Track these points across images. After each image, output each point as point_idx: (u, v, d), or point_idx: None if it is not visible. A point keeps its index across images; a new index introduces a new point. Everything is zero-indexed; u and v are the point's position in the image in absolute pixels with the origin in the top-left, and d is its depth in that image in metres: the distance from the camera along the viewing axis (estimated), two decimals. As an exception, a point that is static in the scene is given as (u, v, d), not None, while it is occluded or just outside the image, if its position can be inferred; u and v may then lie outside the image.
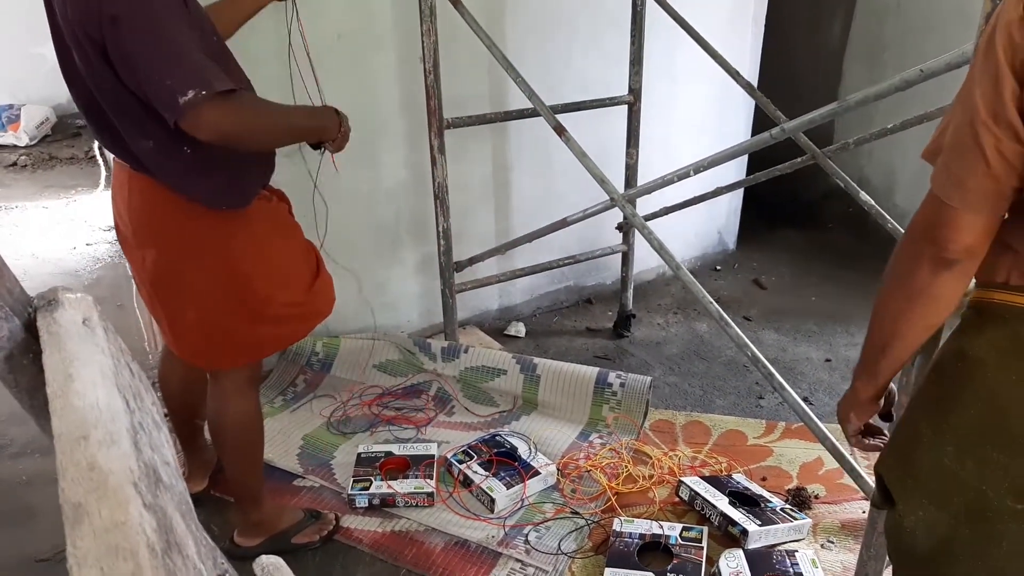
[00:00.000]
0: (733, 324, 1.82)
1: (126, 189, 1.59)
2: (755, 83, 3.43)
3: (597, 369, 2.54)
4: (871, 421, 1.19)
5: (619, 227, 3.02)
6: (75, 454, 0.45)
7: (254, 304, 1.65)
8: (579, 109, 2.67)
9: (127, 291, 3.30)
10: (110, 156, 1.66)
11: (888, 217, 2.21)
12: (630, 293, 3.13)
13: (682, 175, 1.86)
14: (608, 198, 2.11)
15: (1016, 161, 0.85)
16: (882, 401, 1.16)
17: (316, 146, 1.66)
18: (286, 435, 2.37)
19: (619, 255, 3.07)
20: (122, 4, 1.28)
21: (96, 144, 5.21)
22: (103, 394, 0.51)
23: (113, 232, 4.01)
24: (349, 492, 2.08)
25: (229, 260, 1.60)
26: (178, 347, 1.72)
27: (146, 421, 0.61)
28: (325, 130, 1.60)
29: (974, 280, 0.98)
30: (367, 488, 2.08)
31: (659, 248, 1.94)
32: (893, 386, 1.16)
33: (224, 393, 1.76)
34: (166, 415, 2.42)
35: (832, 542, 1.99)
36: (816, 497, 2.13)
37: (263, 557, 0.91)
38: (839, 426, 1.21)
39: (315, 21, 2.40)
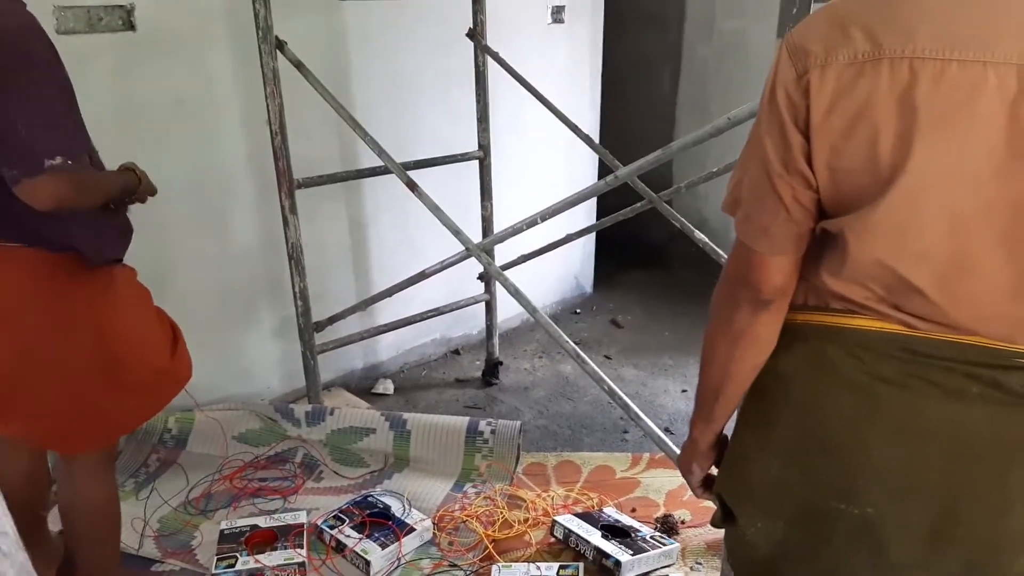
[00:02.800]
0: (591, 362, 1.91)
1: None
2: (597, 133, 3.65)
3: (467, 419, 2.55)
4: (711, 471, 1.24)
5: (480, 277, 3.08)
6: None
7: (123, 373, 1.59)
8: (430, 165, 2.73)
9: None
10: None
11: (723, 254, 2.39)
12: (496, 341, 3.18)
13: (530, 223, 1.95)
14: (464, 248, 2.17)
15: (810, 205, 0.94)
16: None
17: (123, 204, 1.65)
18: (140, 519, 2.21)
19: (483, 304, 3.13)
20: (10, 57, 1.30)
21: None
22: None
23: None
24: (214, 571, 1.96)
25: (99, 329, 1.54)
26: (33, 434, 1.61)
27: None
28: (129, 187, 1.60)
29: None
30: (232, 565, 1.97)
31: (515, 293, 2.01)
32: (726, 434, 1.20)
33: (78, 476, 1.65)
34: None
35: (700, 563, 2.08)
36: (683, 522, 2.23)
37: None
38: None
39: (153, 85, 2.36)
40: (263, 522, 2.14)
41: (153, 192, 1.66)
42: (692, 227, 2.46)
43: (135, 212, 1.66)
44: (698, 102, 4.45)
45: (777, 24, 1.29)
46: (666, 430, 2.74)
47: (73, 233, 1.47)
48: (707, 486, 1.26)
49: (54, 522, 2.05)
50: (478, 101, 2.79)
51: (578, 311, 3.88)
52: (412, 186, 2.21)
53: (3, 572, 0.46)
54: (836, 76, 0.86)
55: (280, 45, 2.26)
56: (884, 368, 0.92)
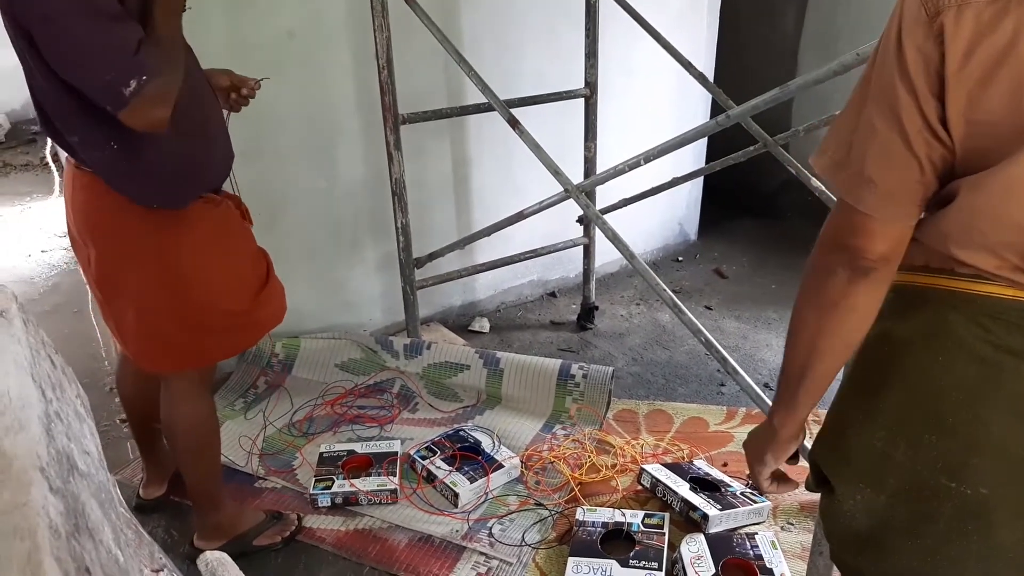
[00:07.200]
0: (687, 311, 1.84)
1: (71, 186, 1.59)
2: (711, 75, 3.47)
3: (560, 361, 2.55)
4: (782, 466, 1.14)
5: (580, 220, 3.03)
6: (-22, 442, 0.44)
7: (193, 311, 1.63)
8: (535, 103, 2.67)
9: (84, 297, 3.25)
10: (64, 161, 1.65)
11: (839, 203, 2.24)
12: (592, 285, 3.14)
13: (633, 164, 1.88)
14: (563, 190, 2.12)
15: (940, 164, 0.85)
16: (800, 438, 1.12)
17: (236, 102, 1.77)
18: (248, 437, 2.35)
19: (581, 248, 3.09)
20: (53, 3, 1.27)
21: (48, 150, 5.12)
22: (14, 383, 0.51)
23: (68, 239, 3.96)
24: (311, 492, 2.06)
25: (166, 263, 1.58)
26: (125, 347, 1.74)
27: (65, 411, 0.61)
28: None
29: None
30: (329, 487, 2.07)
31: (614, 238, 1.95)
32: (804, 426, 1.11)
33: (174, 396, 1.75)
34: (124, 420, 2.39)
35: (792, 524, 2.02)
36: (776, 480, 2.16)
37: (207, 554, 0.90)
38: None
39: (266, 20, 2.40)
40: (360, 448, 2.23)
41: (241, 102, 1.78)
42: (808, 174, 2.31)
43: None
44: (825, 40, 4.14)
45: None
46: (765, 385, 2.65)
47: (109, 176, 1.49)
48: (779, 480, 1.18)
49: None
50: (587, 36, 2.69)
51: (680, 258, 3.77)
52: (514, 123, 2.16)
53: (78, 491, 0.48)
54: (975, 16, 0.76)
55: (388, -24, 2.24)
56: (1014, 340, 0.84)
